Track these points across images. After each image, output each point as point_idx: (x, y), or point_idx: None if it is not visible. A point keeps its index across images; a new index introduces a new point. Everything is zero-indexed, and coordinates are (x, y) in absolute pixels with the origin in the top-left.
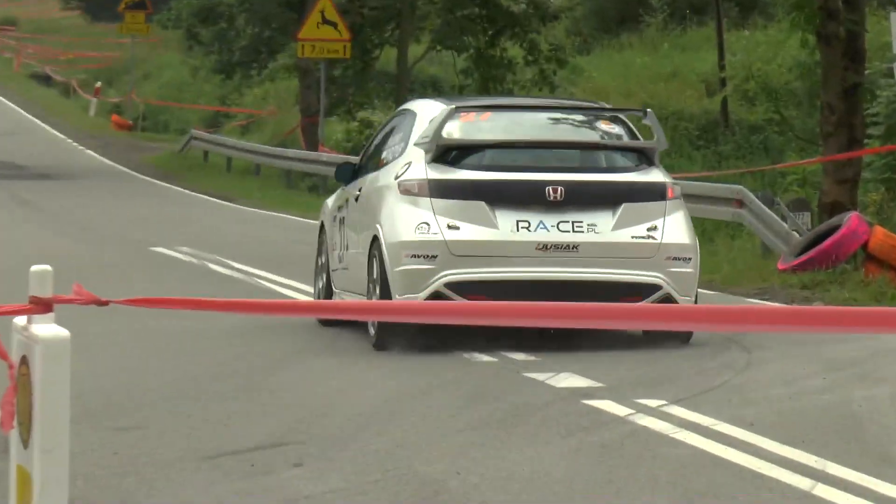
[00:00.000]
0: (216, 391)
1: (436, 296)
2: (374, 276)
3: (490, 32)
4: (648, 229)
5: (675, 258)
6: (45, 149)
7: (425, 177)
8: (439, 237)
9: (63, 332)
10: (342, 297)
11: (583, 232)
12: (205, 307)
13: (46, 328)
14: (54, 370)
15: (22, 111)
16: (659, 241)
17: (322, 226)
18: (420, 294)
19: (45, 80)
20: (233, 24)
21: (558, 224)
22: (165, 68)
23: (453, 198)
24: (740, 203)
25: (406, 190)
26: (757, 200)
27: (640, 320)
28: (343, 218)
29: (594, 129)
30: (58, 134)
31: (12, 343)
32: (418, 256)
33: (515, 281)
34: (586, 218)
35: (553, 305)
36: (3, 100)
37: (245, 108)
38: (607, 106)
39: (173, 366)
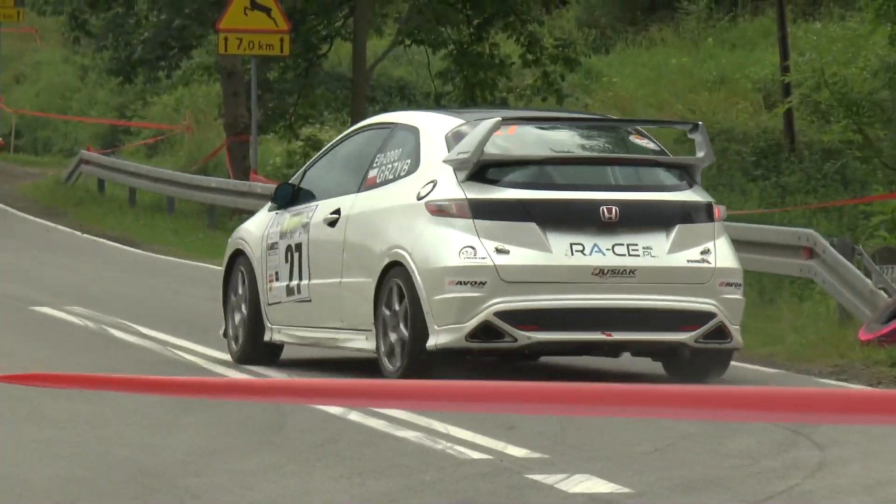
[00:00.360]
0: (117, 494)
1: (484, 326)
2: (397, 308)
3: (476, 22)
4: (702, 252)
5: (727, 283)
6: None
7: (464, 196)
8: (488, 262)
9: None
10: (282, 335)
11: (639, 255)
12: (108, 386)
13: None
14: None
15: None
16: (713, 265)
17: (236, 254)
18: (467, 324)
19: None
20: (132, 10)
21: (614, 247)
22: (44, 68)
23: (500, 219)
24: (810, 252)
25: (439, 210)
26: (832, 249)
27: (674, 406)
28: (297, 245)
29: (634, 144)
30: None
31: None
32: (465, 283)
33: (572, 309)
34: (641, 240)
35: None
36: None
37: (151, 123)
38: (651, 119)
39: (63, 463)
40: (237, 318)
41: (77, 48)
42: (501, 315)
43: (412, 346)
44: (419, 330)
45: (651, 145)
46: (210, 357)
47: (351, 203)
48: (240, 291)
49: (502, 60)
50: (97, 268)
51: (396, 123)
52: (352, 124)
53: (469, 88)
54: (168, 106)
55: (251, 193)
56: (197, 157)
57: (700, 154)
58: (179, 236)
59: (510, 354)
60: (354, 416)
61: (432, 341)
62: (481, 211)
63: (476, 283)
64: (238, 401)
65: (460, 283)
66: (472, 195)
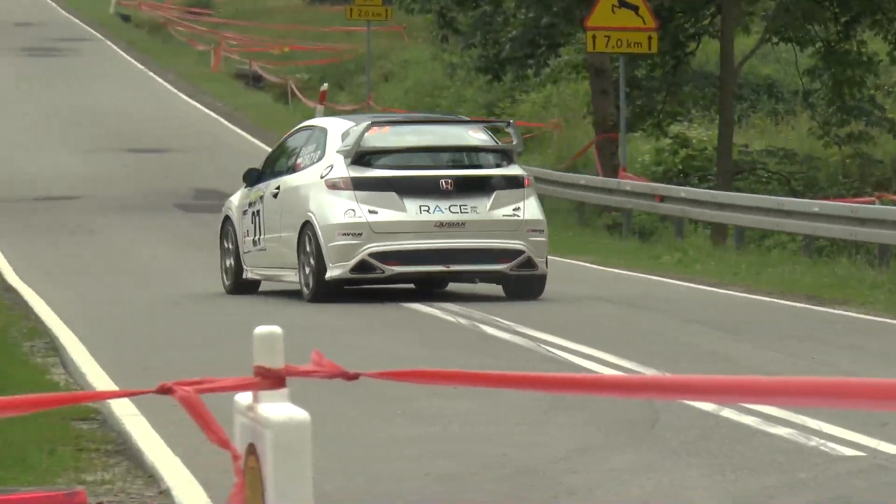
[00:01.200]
0: (492, 491)
1: (362, 263)
2: (308, 251)
3: (843, 20)
4: (514, 209)
5: (533, 230)
6: None
7: (348, 175)
8: (363, 219)
9: (301, 414)
10: (253, 273)
11: (467, 213)
12: (479, 382)
13: (279, 408)
14: (291, 463)
15: (225, 122)
16: (522, 217)
17: (226, 220)
18: (350, 262)
19: (254, 80)
20: (500, 8)
21: (449, 207)
22: (412, 66)
23: (371, 190)
24: None
25: (333, 185)
26: None
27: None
28: (257, 211)
29: (470, 136)
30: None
31: (235, 427)
32: (348, 234)
33: (421, 250)
34: (469, 202)
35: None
36: (200, 107)
37: (520, 121)
38: (477, 118)
39: (436, 460)
40: (227, 263)
41: (445, 46)
42: (373, 255)
43: (316, 278)
44: (321, 266)
45: (483, 136)
46: (583, 353)
47: (286, 182)
48: (227, 245)
49: (870, 58)
50: None
51: (315, 126)
52: (720, 122)
53: (837, 86)
54: (536, 104)
55: (620, 191)
56: (566, 155)
57: (514, 143)
58: (551, 231)
59: (379, 282)
60: (727, 412)
61: (329, 274)
62: (359, 185)
63: (355, 234)
64: (611, 397)
65: (345, 234)
66: (353, 174)
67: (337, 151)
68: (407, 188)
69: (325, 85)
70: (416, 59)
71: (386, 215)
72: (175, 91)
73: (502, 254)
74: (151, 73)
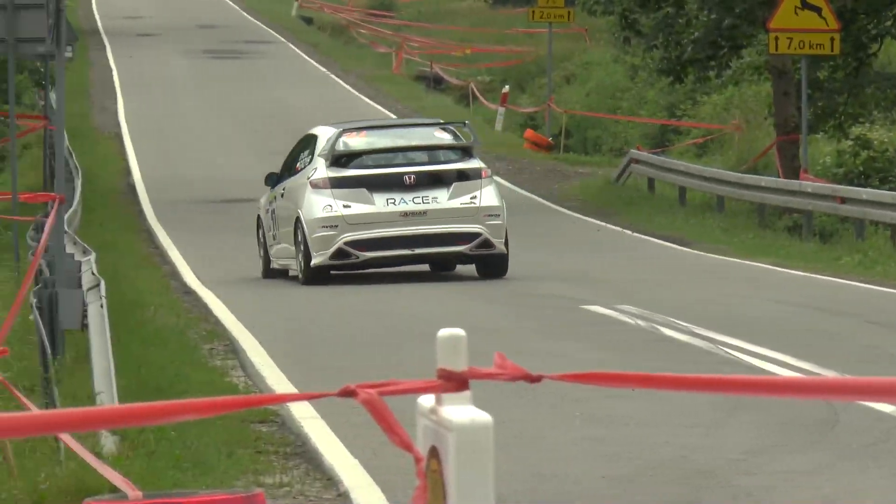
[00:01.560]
0: (667, 493)
1: (339, 251)
2: (299, 242)
3: None
4: (471, 198)
5: (489, 215)
6: None
7: (327, 176)
8: (339, 213)
9: (483, 417)
10: (276, 264)
11: (429, 203)
12: (657, 384)
13: (462, 411)
14: (474, 465)
15: None
16: (478, 204)
17: (259, 218)
18: (329, 251)
19: (435, 82)
20: (682, 10)
21: (413, 199)
22: (594, 68)
23: (346, 188)
24: None
25: (315, 185)
26: None
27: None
28: (274, 209)
29: (434, 136)
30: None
31: (417, 430)
32: (327, 227)
33: (388, 237)
34: (430, 194)
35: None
36: (381, 109)
37: (701, 122)
38: (440, 121)
39: (613, 461)
40: (260, 253)
41: (627, 48)
42: (349, 244)
43: (305, 265)
44: (307, 255)
45: (446, 136)
46: (762, 355)
47: (289, 183)
48: (260, 239)
49: None
50: (647, 267)
51: (312, 134)
52: None
53: None
54: (717, 105)
55: (801, 192)
56: (746, 157)
57: (472, 140)
58: (730, 235)
59: (356, 267)
60: None
61: (313, 262)
62: (336, 184)
63: (333, 226)
64: (789, 398)
65: (324, 227)
66: (331, 175)
67: (318, 155)
68: (376, 184)
69: (507, 87)
70: (598, 61)
71: (358, 209)
72: (356, 93)
73: (461, 237)
74: (333, 76)
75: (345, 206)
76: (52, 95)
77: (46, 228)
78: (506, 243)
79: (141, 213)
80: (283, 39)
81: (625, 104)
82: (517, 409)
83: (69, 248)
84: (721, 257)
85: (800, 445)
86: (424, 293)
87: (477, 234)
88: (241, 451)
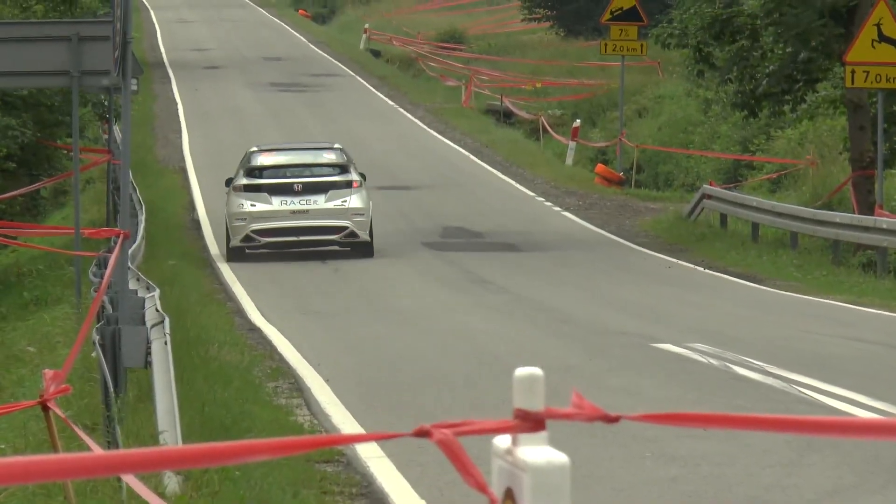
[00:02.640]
0: None
1: (247, 236)
2: (225, 229)
3: None
4: (342, 201)
5: (355, 214)
6: (507, 210)
7: (242, 184)
8: (247, 210)
9: (560, 458)
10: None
11: (310, 204)
12: (733, 424)
13: (538, 451)
14: None
15: (475, 158)
16: (347, 206)
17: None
18: (241, 236)
19: (505, 116)
20: (757, 43)
21: (299, 201)
22: (666, 102)
23: (254, 192)
24: None
25: (235, 190)
26: None
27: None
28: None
29: (322, 156)
30: (523, 189)
31: (492, 471)
32: (239, 220)
33: (281, 228)
34: (312, 198)
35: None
36: (449, 143)
37: (775, 157)
38: (329, 144)
39: (686, 501)
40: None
41: (700, 81)
42: (254, 231)
43: (227, 246)
44: (228, 239)
45: (332, 156)
46: (836, 395)
47: (228, 188)
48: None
49: None
50: (719, 304)
51: (247, 152)
52: None
53: None
54: (792, 140)
55: (876, 228)
56: (821, 192)
57: (345, 159)
58: (803, 272)
59: (260, 248)
60: None
61: (231, 244)
62: (247, 189)
63: (243, 219)
64: (865, 438)
65: (238, 219)
66: (245, 182)
67: (240, 168)
68: (273, 190)
69: (578, 121)
70: (671, 95)
71: (260, 207)
72: (424, 127)
73: (334, 229)
74: (401, 109)
75: (251, 205)
76: (117, 129)
77: (110, 264)
78: (370, 234)
79: (205, 248)
80: (350, 72)
81: (697, 138)
82: (588, 447)
83: (132, 285)
84: (794, 294)
85: (877, 486)
86: (494, 329)
87: (345, 228)
88: (307, 492)
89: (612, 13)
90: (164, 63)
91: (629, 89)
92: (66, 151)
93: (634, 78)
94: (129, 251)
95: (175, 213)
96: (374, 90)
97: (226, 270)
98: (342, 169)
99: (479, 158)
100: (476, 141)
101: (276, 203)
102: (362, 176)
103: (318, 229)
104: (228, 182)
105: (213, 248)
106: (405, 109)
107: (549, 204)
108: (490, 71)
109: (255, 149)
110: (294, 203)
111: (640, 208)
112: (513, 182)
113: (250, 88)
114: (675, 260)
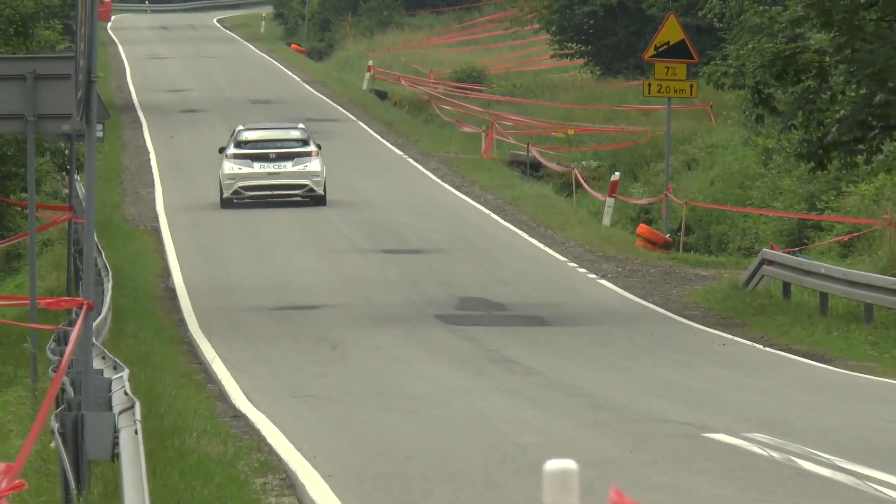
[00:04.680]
0: None
1: (236, 190)
2: (219, 184)
3: None
4: (305, 166)
5: (313, 175)
6: (534, 277)
7: (232, 153)
8: (236, 171)
9: None
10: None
11: (281, 168)
12: None
13: None
14: None
15: (497, 218)
16: (307, 170)
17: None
18: (230, 190)
19: (532, 168)
20: (826, 83)
21: (273, 166)
22: (720, 152)
23: (241, 159)
24: None
25: (227, 158)
26: None
27: None
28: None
29: (292, 133)
30: (553, 254)
31: None
32: (230, 179)
33: (260, 185)
34: (283, 164)
35: None
36: (467, 199)
37: (847, 217)
38: (296, 125)
39: None
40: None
41: (760, 128)
42: (241, 187)
43: (220, 198)
44: (221, 192)
45: (296, 133)
46: None
47: (222, 155)
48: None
49: None
50: (782, 387)
51: (235, 129)
52: None
53: None
54: (866, 196)
55: None
56: None
57: (307, 135)
58: (879, 350)
59: (245, 199)
60: None
61: (223, 196)
62: (235, 157)
63: (233, 178)
64: None
65: (228, 178)
66: (234, 152)
67: (231, 140)
68: (255, 158)
69: (617, 174)
70: (725, 144)
71: (245, 170)
72: (437, 180)
73: (298, 186)
74: (411, 160)
75: (238, 168)
76: (79, 182)
77: (71, 340)
78: (324, 190)
79: (182, 321)
80: (351, 116)
81: (756, 194)
82: None
83: (97, 364)
84: (869, 376)
85: None
86: (519, 417)
87: (305, 185)
88: None
89: (656, 48)
90: (134, 106)
91: (676, 137)
92: (20, 208)
93: (683, 124)
94: (94, 325)
95: (147, 280)
96: (379, 137)
97: (206, 348)
98: (304, 143)
99: (501, 217)
100: (498, 197)
101: (257, 167)
102: (318, 147)
103: (287, 186)
104: (221, 150)
105: (192, 320)
106: (415, 160)
107: (582, 270)
108: (514, 115)
109: (241, 127)
110: (269, 167)
111: (689, 276)
112: (541, 245)
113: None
114: (729, 336)
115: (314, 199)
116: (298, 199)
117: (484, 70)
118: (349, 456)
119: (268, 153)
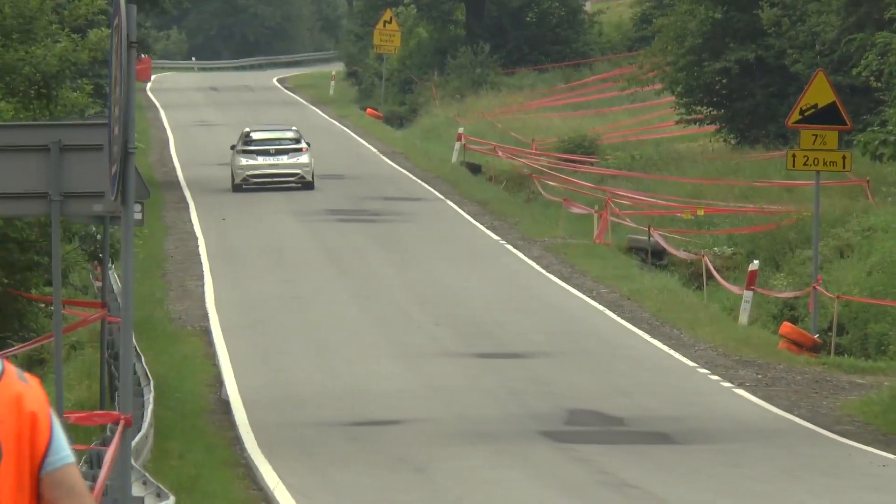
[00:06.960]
0: None
1: (245, 178)
2: (230, 173)
3: None
4: (297, 160)
5: (304, 167)
6: (657, 387)
7: (241, 149)
8: (244, 163)
9: None
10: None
11: (280, 161)
12: None
13: None
14: None
15: (611, 314)
16: (299, 161)
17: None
18: (240, 178)
19: (654, 256)
20: None
21: (274, 160)
22: (879, 236)
23: (248, 154)
24: None
25: (237, 152)
26: None
27: None
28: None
29: (288, 133)
30: (679, 358)
31: None
32: (240, 169)
33: (263, 174)
34: (282, 158)
35: None
36: (577, 293)
37: None
38: (293, 128)
39: None
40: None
41: None
42: (249, 175)
43: (232, 184)
44: (233, 180)
45: (291, 134)
46: None
47: (233, 151)
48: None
49: None
50: None
51: (243, 131)
52: None
53: None
54: None
55: None
56: None
57: (300, 136)
58: None
59: (251, 185)
60: None
61: (234, 182)
62: (243, 152)
63: (242, 169)
64: None
65: (239, 169)
66: (243, 148)
67: (240, 138)
68: (259, 153)
69: (756, 263)
70: (885, 226)
71: (251, 162)
72: (541, 270)
73: (292, 175)
74: (509, 246)
75: (246, 161)
76: (114, 274)
77: (106, 462)
78: (312, 177)
79: (238, 439)
80: (439, 195)
81: None
82: None
83: (137, 490)
84: None
85: None
86: None
87: (298, 174)
88: None
89: (802, 112)
90: (178, 183)
91: (827, 218)
92: (43, 305)
93: (835, 202)
94: (133, 443)
95: (195, 391)
96: (471, 219)
97: (267, 472)
98: (297, 141)
99: (617, 315)
100: (613, 290)
101: (260, 160)
102: (308, 144)
103: (283, 175)
104: (233, 147)
105: (249, 438)
106: (514, 246)
107: (715, 378)
108: (633, 193)
109: (248, 129)
110: (270, 160)
111: (843, 384)
112: (665, 347)
113: (298, 218)
114: (891, 456)
115: (303, 186)
116: (298, 188)
117: (596, 139)
118: None
119: (269, 149)
